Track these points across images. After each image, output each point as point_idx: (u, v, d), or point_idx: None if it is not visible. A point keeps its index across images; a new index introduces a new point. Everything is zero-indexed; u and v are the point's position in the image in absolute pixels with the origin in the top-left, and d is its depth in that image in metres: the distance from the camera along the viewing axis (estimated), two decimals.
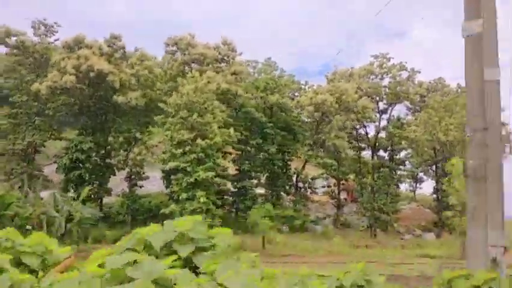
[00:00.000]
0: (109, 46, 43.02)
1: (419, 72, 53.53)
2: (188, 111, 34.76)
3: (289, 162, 53.82)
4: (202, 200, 33.21)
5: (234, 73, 41.34)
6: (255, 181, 51.50)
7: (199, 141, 33.98)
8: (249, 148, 47.68)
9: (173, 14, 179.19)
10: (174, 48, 42.39)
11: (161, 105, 37.75)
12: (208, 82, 36.28)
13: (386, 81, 53.52)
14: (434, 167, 59.68)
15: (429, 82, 59.97)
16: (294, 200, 50.67)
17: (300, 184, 53.15)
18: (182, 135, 33.90)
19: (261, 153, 46.38)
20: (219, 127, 36.06)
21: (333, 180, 58.99)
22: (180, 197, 34.13)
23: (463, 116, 43.76)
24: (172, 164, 35.02)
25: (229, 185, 44.55)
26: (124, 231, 40.78)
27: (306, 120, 47.22)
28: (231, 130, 36.36)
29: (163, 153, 35.96)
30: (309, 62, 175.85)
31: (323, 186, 61.14)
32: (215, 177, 35.64)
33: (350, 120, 45.56)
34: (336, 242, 45.24)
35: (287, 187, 53.76)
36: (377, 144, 51.65)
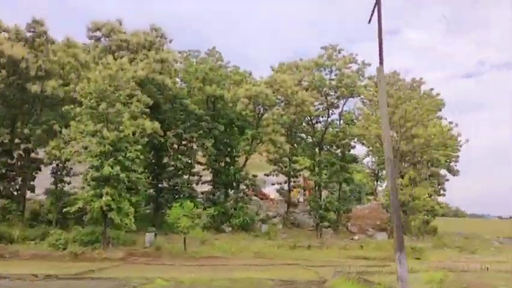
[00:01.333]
0: (29, 31, 40.07)
1: (369, 65, 51.21)
2: (97, 100, 31.96)
3: (236, 158, 51.39)
4: (108, 198, 30.50)
5: (161, 61, 38.55)
6: (195, 177, 49.02)
7: (105, 133, 31.21)
8: (184, 143, 45.14)
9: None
10: (98, 34, 39.50)
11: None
12: (122, 69, 33.47)
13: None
14: None
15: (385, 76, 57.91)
16: (236, 198, 48.05)
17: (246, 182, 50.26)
18: (87, 126, 31.12)
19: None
20: (133, 118, 33.34)
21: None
22: (86, 194, 31.39)
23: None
24: (79, 158, 32.28)
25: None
26: (44, 231, 38.23)
27: (249, 113, 44.52)
28: (146, 122, 33.64)
29: (72, 147, 33.11)
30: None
31: (273, 184, 58.81)
32: (130, 172, 32.95)
33: (290, 114, 43.03)
34: (269, 244, 42.79)
35: (235, 184, 51.12)
36: (323, 140, 49.14)
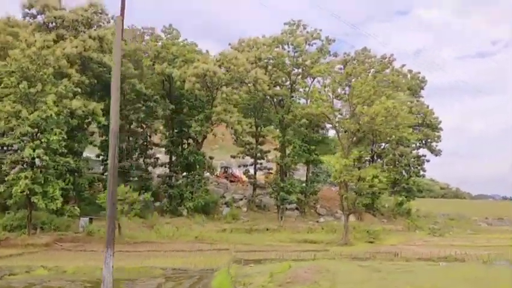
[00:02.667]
0: None
1: (333, 41, 48.92)
2: (19, 79, 30.32)
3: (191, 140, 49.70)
4: (27, 181, 29.12)
5: (99, 38, 36.67)
6: (151, 160, 47.53)
7: (24, 113, 29.66)
8: (135, 124, 43.62)
9: None
10: (33, 11, 37.58)
11: None
12: (48, 47, 31.72)
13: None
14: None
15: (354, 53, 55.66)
16: (192, 181, 46.39)
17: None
18: (4, 106, 29.55)
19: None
20: (65, 98, 31.72)
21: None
22: (6, 178, 30.03)
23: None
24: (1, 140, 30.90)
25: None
26: None
27: (200, 93, 42.61)
28: (74, 102, 31.97)
29: None
30: None
31: (239, 166, 57.30)
32: (57, 155, 31.48)
33: (243, 93, 41.16)
34: (223, 227, 41.70)
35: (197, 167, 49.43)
36: (284, 120, 47.16)
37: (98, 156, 44.94)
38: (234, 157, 56.41)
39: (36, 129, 30.46)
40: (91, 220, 35.33)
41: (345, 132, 35.72)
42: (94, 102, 35.49)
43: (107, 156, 43.91)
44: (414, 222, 59.30)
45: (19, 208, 32.45)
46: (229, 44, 46.92)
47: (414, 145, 71.48)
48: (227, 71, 41.89)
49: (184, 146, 48.35)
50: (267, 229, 45.83)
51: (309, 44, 48.68)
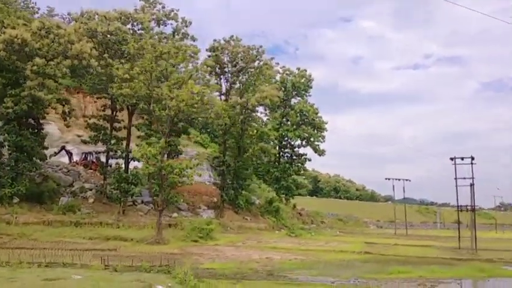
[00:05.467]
0: None
1: (190, 23, 45.08)
2: None
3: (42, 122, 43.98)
4: None
5: None
6: None
7: None
8: None
9: None
10: None
11: None
12: None
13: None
14: None
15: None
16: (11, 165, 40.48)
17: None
18: None
19: None
20: None
21: None
22: None
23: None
24: None
25: None
26: None
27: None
28: None
29: None
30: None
31: (98, 153, 52.11)
32: None
33: (64, 66, 36.00)
34: (26, 219, 36.39)
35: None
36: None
37: None
38: (85, 142, 51.08)
39: None
40: None
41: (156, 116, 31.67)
42: None
43: None
44: (281, 222, 56.97)
45: None
46: (69, 14, 41.66)
47: (297, 143, 69.86)
48: (52, 42, 36.62)
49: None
50: (100, 223, 41.26)
51: (162, 24, 44.48)
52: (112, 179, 45.74)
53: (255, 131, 50.46)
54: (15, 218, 36.53)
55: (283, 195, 67.16)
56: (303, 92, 71.42)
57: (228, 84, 53.39)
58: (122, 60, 33.19)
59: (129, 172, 45.14)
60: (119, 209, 45.03)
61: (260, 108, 55.86)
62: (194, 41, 46.24)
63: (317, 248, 33.23)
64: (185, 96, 28.35)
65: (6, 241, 27.24)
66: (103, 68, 38.17)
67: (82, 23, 40.21)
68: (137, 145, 39.92)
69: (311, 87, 72.44)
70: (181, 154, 50.46)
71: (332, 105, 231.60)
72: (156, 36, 41.60)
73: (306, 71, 72.17)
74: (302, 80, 70.86)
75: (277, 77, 68.72)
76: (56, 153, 54.09)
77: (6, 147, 41.85)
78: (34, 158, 42.50)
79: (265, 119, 58.36)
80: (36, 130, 43.55)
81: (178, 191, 52.62)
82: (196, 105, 29.49)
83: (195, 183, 60.59)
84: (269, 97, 50.51)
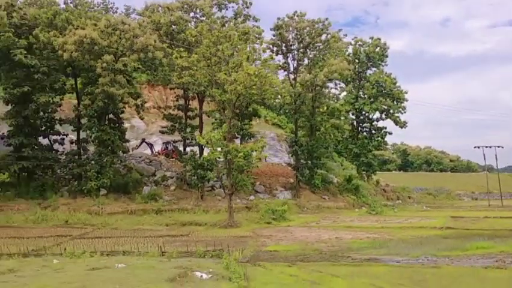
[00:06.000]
0: None
1: (251, 3, 44.64)
2: None
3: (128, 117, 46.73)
4: None
5: None
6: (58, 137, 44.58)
7: None
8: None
9: None
10: None
11: None
12: None
13: None
14: None
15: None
16: (99, 160, 43.14)
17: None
18: None
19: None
20: None
21: None
22: None
23: None
24: None
25: None
26: None
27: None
28: None
29: None
30: None
31: (174, 142, 53.95)
32: None
33: (132, 60, 37.23)
34: (112, 208, 38.64)
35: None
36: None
37: None
38: (163, 133, 53.13)
39: None
40: None
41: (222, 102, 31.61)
42: None
43: None
44: (361, 199, 55.19)
45: None
46: (134, 10, 43.05)
47: (375, 116, 67.18)
48: (119, 38, 38.13)
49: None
50: (179, 209, 42.79)
51: (224, 8, 44.43)
52: (188, 166, 47.09)
53: (326, 107, 48.97)
54: (101, 208, 39.00)
55: (364, 172, 64.94)
56: (379, 62, 68.04)
57: (295, 62, 52.18)
58: (181, 49, 33.56)
59: (202, 158, 46.10)
60: (198, 194, 46.37)
61: (331, 84, 53.97)
62: (256, 21, 45.85)
63: (395, 225, 31.59)
64: (242, 79, 27.99)
65: (88, 231, 29.01)
66: (168, 58, 39.03)
67: (146, 16, 41.31)
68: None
69: (387, 56, 68.77)
70: (253, 137, 50.58)
71: (419, 73, 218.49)
72: (218, 21, 41.56)
73: (380, 39, 68.53)
74: (377, 50, 67.47)
75: (350, 49, 66.17)
76: (137, 146, 56.80)
77: (91, 142, 44.80)
78: (117, 151, 44.97)
79: (338, 94, 56.30)
80: (117, 124, 46.00)
81: (253, 174, 53.34)
82: (254, 87, 29.00)
83: (272, 164, 61.14)
84: (339, 71, 48.69)
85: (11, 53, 38.09)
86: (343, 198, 54.80)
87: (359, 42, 68.27)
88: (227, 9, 44.48)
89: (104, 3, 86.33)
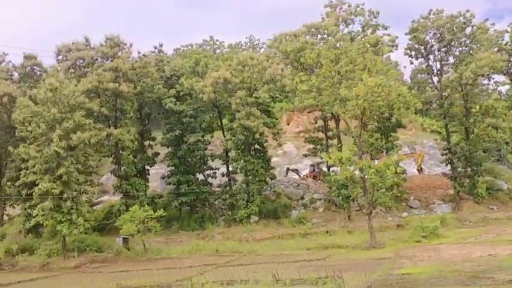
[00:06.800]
0: None
1: (378, 13, 42.98)
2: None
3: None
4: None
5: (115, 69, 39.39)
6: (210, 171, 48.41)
7: (46, 150, 33.81)
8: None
9: None
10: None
11: None
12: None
13: None
14: None
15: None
16: (247, 189, 45.50)
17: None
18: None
19: None
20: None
21: None
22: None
23: None
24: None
25: None
26: None
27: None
28: (83, 134, 34.93)
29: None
30: None
31: (317, 164, 53.92)
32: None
33: (263, 92, 38.87)
34: (262, 234, 40.06)
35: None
36: None
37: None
38: (306, 156, 53.66)
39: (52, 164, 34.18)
40: (125, 240, 37.70)
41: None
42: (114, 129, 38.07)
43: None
44: None
45: (55, 234, 36.69)
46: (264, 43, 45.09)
47: None
48: (251, 73, 40.32)
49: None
50: (327, 231, 42.32)
51: (351, 23, 43.74)
52: (333, 187, 46.49)
53: (478, 107, 43.79)
54: (251, 235, 40.75)
55: None
56: None
57: (437, 62, 48.20)
58: (301, 73, 33.88)
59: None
60: (345, 215, 45.33)
61: (486, 80, 48.28)
62: (386, 29, 43.96)
63: None
64: (362, 92, 26.84)
65: (234, 259, 30.45)
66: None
67: (274, 47, 42.88)
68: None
69: None
70: (399, 149, 47.81)
71: None
72: (347, 38, 40.99)
73: None
74: None
75: (507, 37, 58.51)
76: (285, 176, 58.27)
77: (239, 173, 47.56)
78: (264, 179, 46.92)
79: (493, 89, 49.81)
80: (262, 154, 48.14)
81: (406, 188, 49.98)
82: (378, 99, 27.49)
83: (428, 176, 56.54)
84: (490, 64, 43.40)
85: (162, 102, 42.97)
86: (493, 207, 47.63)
87: None
88: (354, 24, 43.49)
89: (251, 42, 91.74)
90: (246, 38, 70.19)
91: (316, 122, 50.78)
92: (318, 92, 30.91)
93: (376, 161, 43.69)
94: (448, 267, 19.79)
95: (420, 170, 57.37)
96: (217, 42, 52.21)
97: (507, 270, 17.61)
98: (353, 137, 44.91)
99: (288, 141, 69.45)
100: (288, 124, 75.26)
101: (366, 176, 29.84)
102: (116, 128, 40.60)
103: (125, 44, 41.78)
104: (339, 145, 43.06)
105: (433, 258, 23.54)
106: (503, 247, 24.83)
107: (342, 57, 30.41)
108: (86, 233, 37.85)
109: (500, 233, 32.97)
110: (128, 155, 45.35)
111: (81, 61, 41.26)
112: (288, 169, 59.20)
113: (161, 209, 37.05)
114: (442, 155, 49.09)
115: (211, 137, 51.34)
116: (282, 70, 38.74)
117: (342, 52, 30.35)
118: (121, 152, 42.43)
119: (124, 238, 37.65)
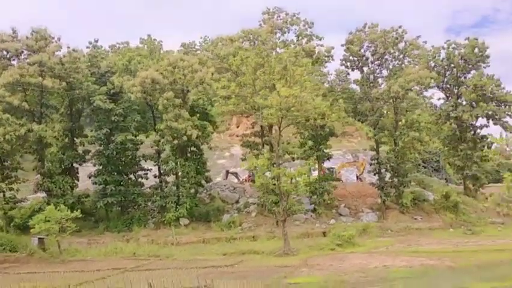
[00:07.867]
0: None
1: (312, 23, 43.71)
2: None
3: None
4: None
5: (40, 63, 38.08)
6: (142, 172, 47.65)
7: None
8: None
9: None
10: None
11: None
12: None
13: None
14: None
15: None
16: (176, 191, 45.11)
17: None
18: None
19: None
20: None
21: None
22: None
23: None
24: None
25: None
26: None
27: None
28: None
29: None
30: None
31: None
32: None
33: (192, 95, 38.63)
34: (189, 238, 39.54)
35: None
36: None
37: None
38: (242, 160, 53.75)
39: None
40: (40, 240, 36.43)
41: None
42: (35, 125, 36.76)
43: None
44: (461, 217, 49.32)
45: None
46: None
47: (479, 124, 60.45)
48: (184, 75, 39.95)
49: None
50: (253, 236, 42.54)
51: (287, 32, 44.25)
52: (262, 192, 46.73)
53: (405, 120, 45.37)
54: (176, 239, 40.31)
55: (472, 187, 58.29)
56: (479, 64, 61.41)
57: (371, 75, 49.58)
58: (224, 79, 33.95)
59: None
60: (273, 220, 45.62)
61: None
62: (320, 40, 44.72)
63: (470, 249, 27.59)
64: (275, 102, 27.15)
65: (145, 264, 30.00)
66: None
67: (206, 50, 42.74)
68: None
69: (488, 57, 61.80)
70: (330, 158, 48.87)
71: None
72: (278, 46, 41.43)
73: (477, 39, 62.06)
74: (475, 51, 60.98)
75: (443, 54, 60.91)
76: (224, 179, 58.21)
77: (171, 175, 46.97)
78: (199, 181, 46.59)
79: (421, 104, 51.72)
80: (198, 156, 47.79)
81: (338, 196, 51.03)
82: (293, 109, 27.89)
83: (362, 185, 57.88)
84: (417, 79, 45.03)
85: (91, 99, 41.92)
86: (439, 217, 49.56)
87: (453, 45, 62.54)
88: (289, 32, 44.01)
89: (205, 42, 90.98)
90: (201, 38, 69.89)
91: (253, 127, 51.06)
92: (238, 98, 30.99)
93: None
94: (336, 278, 20.22)
95: (360, 178, 58.72)
96: (155, 42, 51.50)
97: (385, 282, 18.15)
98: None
99: (236, 144, 69.45)
100: (238, 127, 75.22)
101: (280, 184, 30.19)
102: (41, 124, 39.15)
103: (53, 38, 40.48)
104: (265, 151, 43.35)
105: (332, 268, 24.04)
106: (403, 258, 25.68)
107: (265, 66, 30.66)
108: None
109: (411, 244, 34.07)
110: (57, 152, 44.01)
111: (5, 53, 39.62)
112: (227, 172, 59.14)
113: (79, 210, 35.96)
114: (370, 165, 50.42)
115: (146, 137, 50.56)
116: (212, 74, 38.53)
117: (264, 61, 30.58)
118: (44, 148, 40.98)
119: (39, 238, 36.36)
